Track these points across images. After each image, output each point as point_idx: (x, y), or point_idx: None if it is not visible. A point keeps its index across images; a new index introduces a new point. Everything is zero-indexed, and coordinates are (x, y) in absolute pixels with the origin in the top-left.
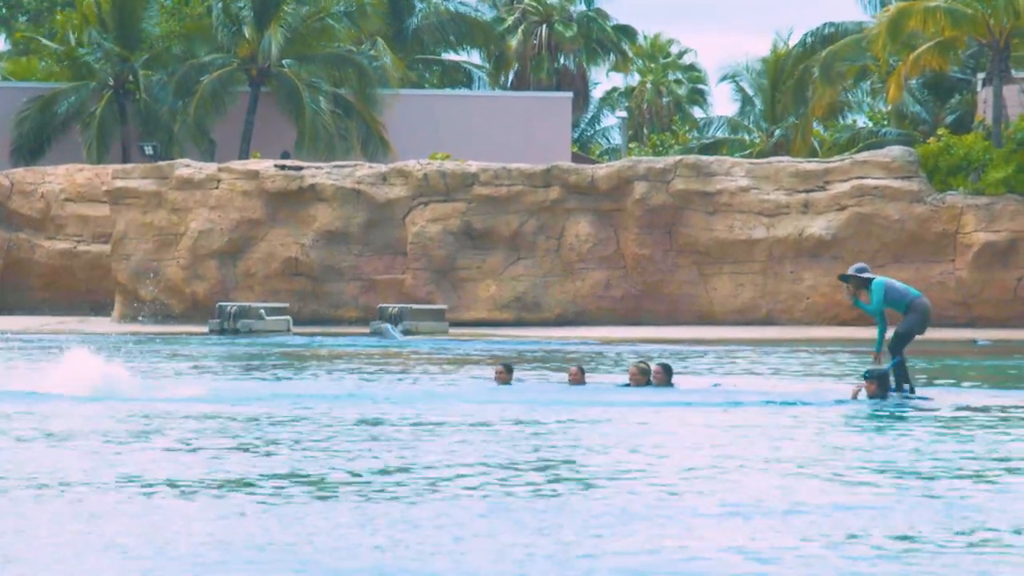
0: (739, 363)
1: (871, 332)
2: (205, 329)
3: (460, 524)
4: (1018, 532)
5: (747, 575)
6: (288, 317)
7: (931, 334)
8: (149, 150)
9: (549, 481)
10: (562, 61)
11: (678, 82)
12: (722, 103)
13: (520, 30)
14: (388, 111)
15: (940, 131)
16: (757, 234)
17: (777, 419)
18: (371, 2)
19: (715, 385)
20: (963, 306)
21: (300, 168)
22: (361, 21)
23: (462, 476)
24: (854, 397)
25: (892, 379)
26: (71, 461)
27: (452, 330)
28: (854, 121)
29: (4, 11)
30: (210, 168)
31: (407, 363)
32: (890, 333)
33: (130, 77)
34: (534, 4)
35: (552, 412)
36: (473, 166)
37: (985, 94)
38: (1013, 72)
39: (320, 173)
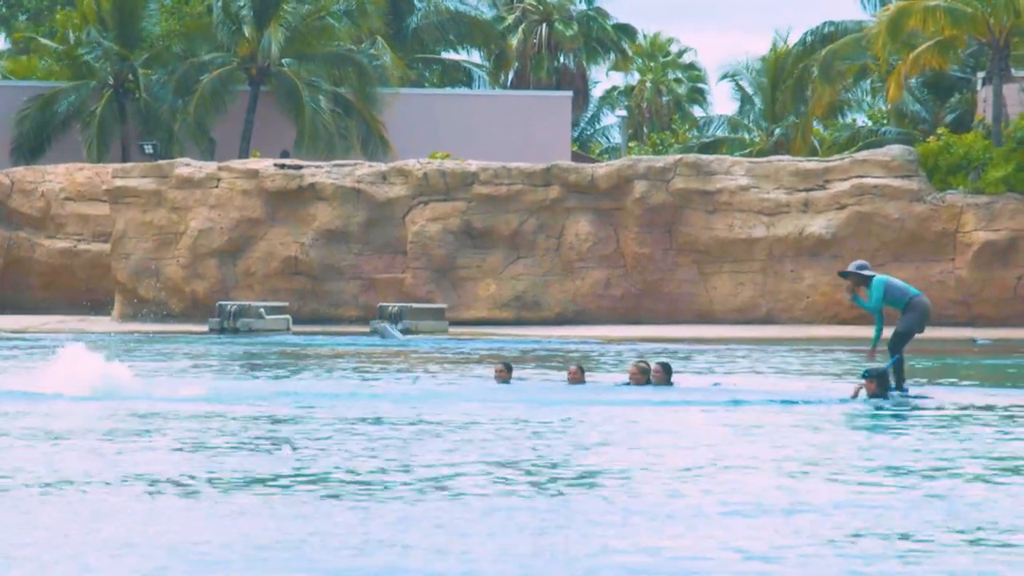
0: (739, 362)
1: (871, 331)
2: (205, 328)
3: (461, 524)
4: (1018, 531)
5: (748, 574)
6: (288, 316)
7: (931, 333)
8: (149, 149)
9: (549, 480)
10: (562, 60)
11: (678, 81)
12: (722, 102)
13: (520, 29)
14: (388, 110)
15: (940, 130)
16: (757, 233)
17: (777, 418)
18: (371, 1)
19: (715, 384)
20: (963, 305)
21: (300, 167)
22: (361, 20)
23: (462, 475)
24: (854, 396)
25: (891, 378)
26: (71, 461)
27: (452, 329)
28: (854, 120)
29: (4, 10)
30: (210, 167)
31: (407, 362)
32: (890, 332)
33: (130, 76)
34: (534, 3)
35: (552, 411)
36: (473, 165)
37: (985, 93)
38: (1013, 71)
39: (320, 172)
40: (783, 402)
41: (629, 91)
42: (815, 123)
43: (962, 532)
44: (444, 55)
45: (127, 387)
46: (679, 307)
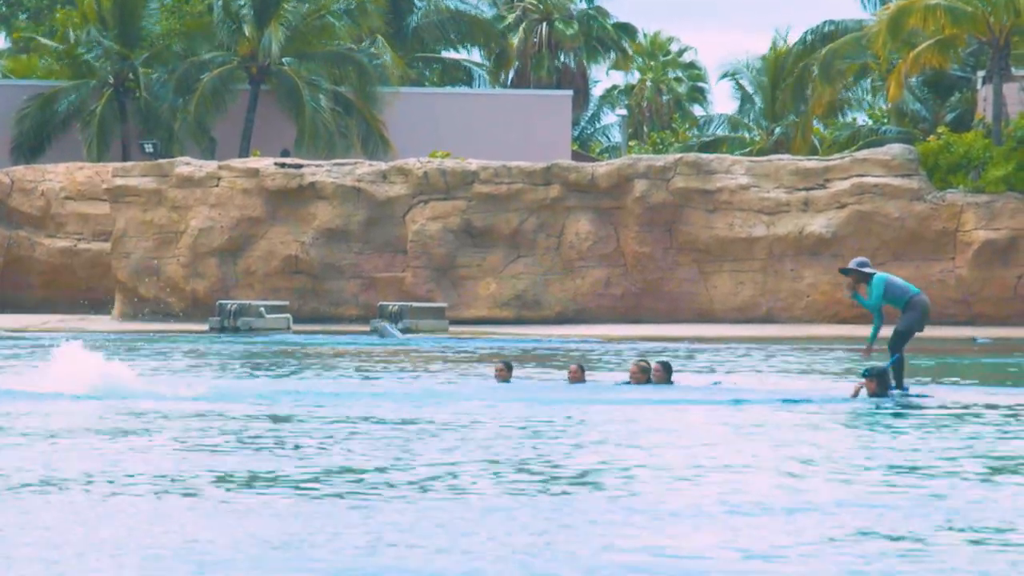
0: (739, 361)
1: (870, 330)
2: (205, 327)
3: (461, 523)
4: (1018, 531)
5: (749, 573)
6: (288, 315)
7: (931, 332)
8: (149, 148)
9: (549, 479)
10: (562, 59)
11: (678, 80)
12: (722, 101)
13: (521, 28)
14: (388, 109)
15: (940, 129)
16: (757, 232)
17: (778, 417)
18: (371, 0)
19: (715, 383)
20: (963, 304)
21: (300, 166)
22: (361, 19)
23: (463, 475)
24: (854, 396)
25: (891, 377)
26: (72, 460)
27: (452, 328)
28: (854, 119)
29: (4, 9)
30: (210, 166)
31: (406, 361)
32: (889, 331)
33: (130, 75)
34: (534, 2)
35: (552, 410)
36: (473, 164)
37: (985, 92)
38: (1013, 70)
39: (320, 171)
40: (783, 401)
41: (629, 90)
42: (815, 122)
43: (962, 532)
44: (444, 54)
45: (127, 386)
46: (679, 306)
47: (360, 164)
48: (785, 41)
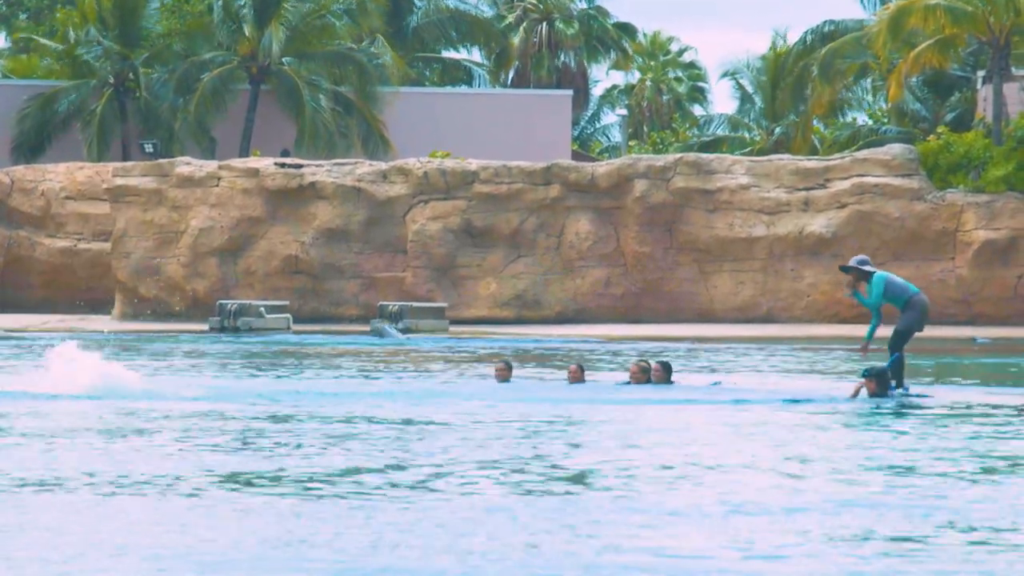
0: (739, 361)
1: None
2: (205, 327)
3: (462, 523)
4: (1018, 531)
5: (749, 573)
6: (288, 315)
7: (931, 332)
8: (149, 148)
9: (549, 479)
10: (562, 59)
11: (678, 80)
12: (722, 101)
13: (521, 28)
14: (388, 109)
15: (940, 129)
16: (757, 232)
17: (778, 417)
18: (371, 0)
19: (715, 383)
20: (963, 304)
21: (300, 166)
22: (361, 19)
23: (463, 474)
24: (854, 396)
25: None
26: (72, 461)
27: (452, 328)
28: (854, 119)
29: (4, 8)
30: (210, 166)
31: (406, 361)
32: (888, 331)
33: (130, 75)
34: (535, 2)
35: (552, 410)
36: (473, 164)
37: (985, 92)
38: (1013, 70)
39: (320, 171)
40: (783, 401)
41: (629, 90)
42: (815, 122)
43: (962, 532)
44: (444, 54)
45: (127, 386)
46: (679, 306)
47: (360, 164)
48: (785, 40)
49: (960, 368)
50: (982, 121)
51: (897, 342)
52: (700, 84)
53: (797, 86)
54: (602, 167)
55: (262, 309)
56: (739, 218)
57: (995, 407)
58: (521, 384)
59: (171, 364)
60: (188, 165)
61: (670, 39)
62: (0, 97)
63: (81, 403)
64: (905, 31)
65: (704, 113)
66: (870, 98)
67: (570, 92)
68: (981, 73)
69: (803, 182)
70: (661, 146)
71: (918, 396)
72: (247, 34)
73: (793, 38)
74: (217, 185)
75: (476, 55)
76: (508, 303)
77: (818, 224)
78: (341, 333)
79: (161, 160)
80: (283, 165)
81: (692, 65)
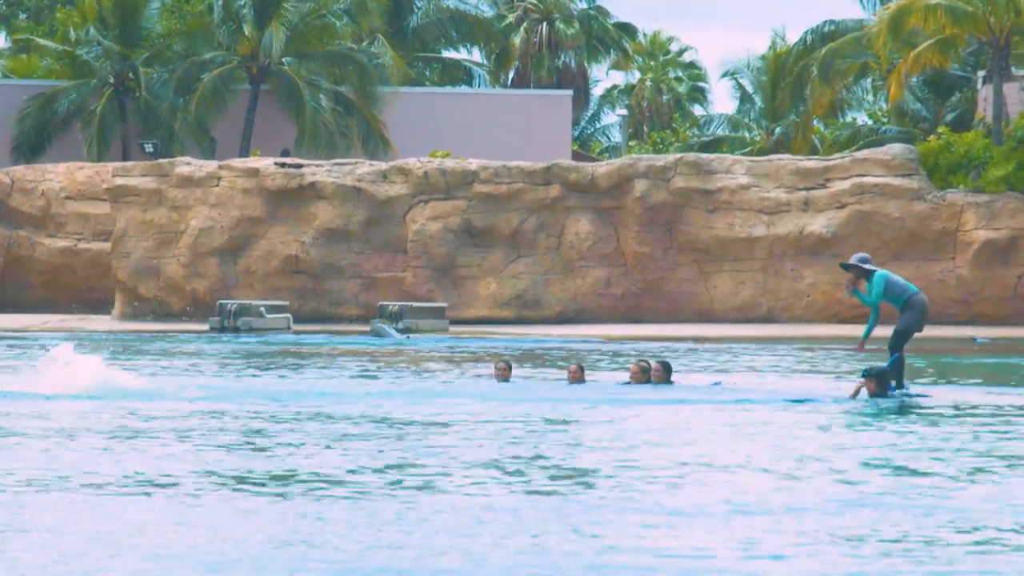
0: (739, 361)
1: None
2: (205, 327)
3: (462, 523)
4: (1018, 531)
5: (749, 573)
6: (288, 315)
7: (931, 332)
8: (149, 148)
9: (550, 479)
10: (562, 59)
11: (678, 80)
12: (722, 101)
13: (522, 28)
14: (388, 109)
15: (940, 129)
16: (757, 232)
17: (778, 417)
18: None
19: (715, 383)
20: (963, 304)
21: (300, 166)
22: (361, 19)
23: (463, 474)
24: (854, 396)
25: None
26: (72, 461)
27: (452, 328)
28: (854, 119)
29: (4, 8)
30: (210, 166)
31: (406, 361)
32: (887, 330)
33: (130, 75)
34: (535, 2)
35: (552, 410)
36: (473, 164)
37: (985, 92)
38: (1013, 70)
39: (320, 171)
40: (783, 401)
41: (629, 90)
42: (816, 122)
43: (962, 532)
44: (445, 54)
45: (127, 387)
46: (680, 306)
47: (360, 164)
48: (784, 40)
49: (960, 368)
50: (982, 121)
51: (897, 342)
52: (700, 84)
53: (797, 86)
54: (602, 167)
55: (262, 309)
56: (739, 218)
57: (995, 407)
58: (521, 384)
59: (171, 364)
60: (188, 165)
61: (670, 39)
62: (0, 97)
63: (80, 403)
64: (905, 31)
65: (704, 113)
66: (870, 98)
67: (570, 92)
68: (981, 73)
69: (803, 182)
70: (661, 146)
71: (918, 396)
72: (247, 34)
73: (792, 38)
74: (217, 185)
75: (476, 55)
76: (508, 303)
77: (818, 224)
78: (341, 333)
79: (161, 160)
80: (283, 165)
81: (692, 65)
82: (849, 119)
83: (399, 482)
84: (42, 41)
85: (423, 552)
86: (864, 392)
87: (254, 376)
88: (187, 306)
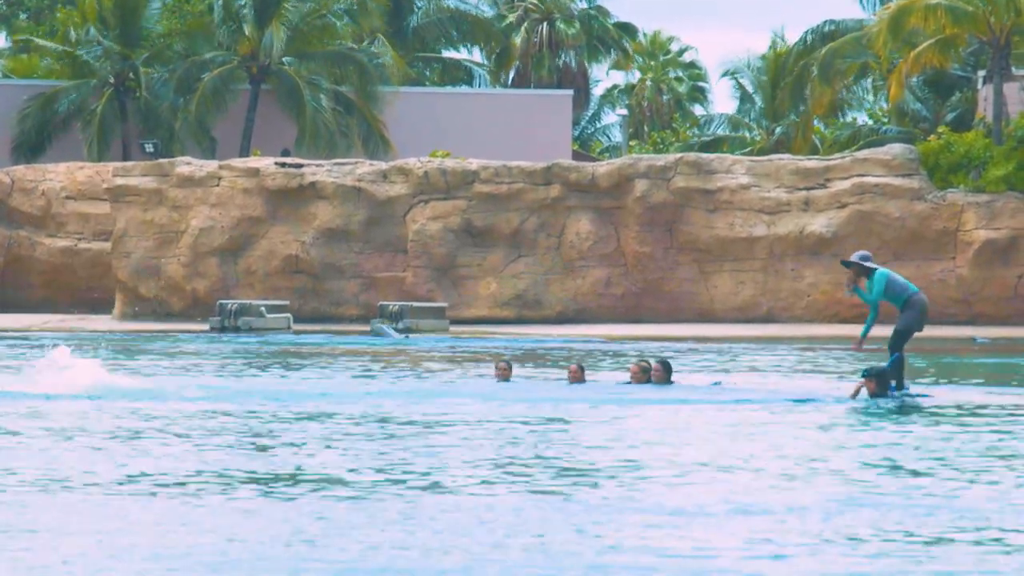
0: (739, 360)
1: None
2: (206, 327)
3: (462, 523)
4: (1018, 531)
5: (749, 573)
6: (289, 315)
7: (930, 332)
8: (150, 148)
9: (550, 479)
10: (563, 59)
11: (679, 79)
12: (723, 100)
13: (522, 28)
14: (389, 109)
15: (941, 129)
16: (758, 232)
17: (777, 417)
18: None
19: (715, 383)
20: (963, 304)
21: (300, 166)
22: (362, 18)
23: (463, 474)
24: (854, 396)
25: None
26: (73, 461)
27: (453, 328)
28: (854, 119)
29: (4, 8)
30: (211, 166)
31: (408, 360)
32: (886, 330)
33: (131, 75)
34: (536, 2)
35: (552, 409)
36: (474, 164)
37: (986, 91)
38: (1014, 69)
39: (320, 171)
40: (784, 401)
41: (630, 90)
42: (816, 122)
43: (962, 532)
44: (445, 54)
45: (127, 387)
46: (680, 306)
47: (360, 164)
48: (784, 40)
49: (960, 368)
50: (982, 121)
51: (897, 342)
52: (700, 84)
53: (797, 86)
54: (602, 167)
55: (262, 309)
56: (739, 218)
57: (996, 407)
58: (522, 384)
59: (171, 364)
60: (188, 165)
61: (670, 39)
62: (0, 97)
63: (80, 403)
64: (905, 31)
65: (704, 113)
66: (870, 98)
67: (570, 92)
68: (982, 73)
69: (803, 182)
70: (661, 146)
71: (918, 396)
72: (247, 34)
73: (792, 38)
74: (217, 185)
75: (476, 55)
76: (508, 303)
77: (818, 224)
78: (341, 333)
79: (161, 160)
80: (283, 165)
81: (692, 65)
82: (849, 119)
83: (400, 482)
84: (42, 41)
85: (425, 552)
86: (864, 392)
87: (254, 376)
88: (187, 306)
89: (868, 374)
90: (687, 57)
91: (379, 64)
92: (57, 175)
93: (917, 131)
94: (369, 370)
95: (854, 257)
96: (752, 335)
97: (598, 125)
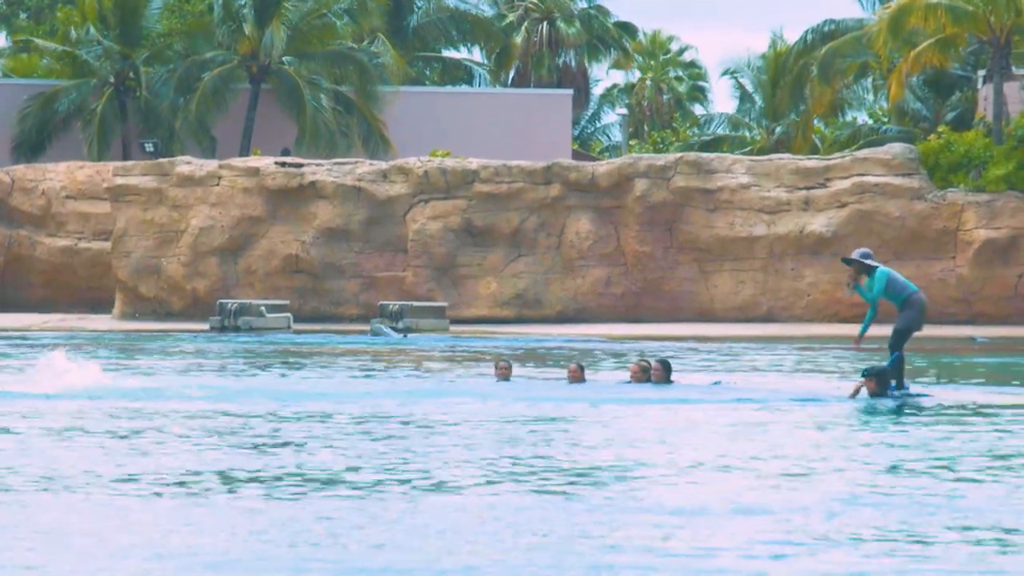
0: (739, 360)
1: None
2: (206, 326)
3: (463, 523)
4: (1018, 531)
5: (750, 573)
6: (289, 314)
7: (931, 331)
8: (150, 147)
9: (550, 479)
10: (563, 58)
11: (678, 79)
12: (722, 100)
13: (523, 27)
14: (389, 108)
15: (941, 128)
16: (758, 231)
17: (778, 416)
18: None
19: (715, 383)
20: (963, 303)
21: (301, 165)
22: (362, 18)
23: (464, 474)
24: (854, 395)
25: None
26: (73, 461)
27: (453, 327)
28: (854, 118)
29: (4, 8)
30: (211, 165)
31: (408, 360)
32: (886, 329)
33: (131, 74)
34: (536, 1)
35: (552, 409)
36: (474, 163)
37: (986, 91)
38: (1014, 69)
39: (321, 170)
40: (783, 400)
41: (630, 89)
42: (816, 121)
43: (963, 532)
44: (445, 53)
45: (126, 387)
46: (680, 305)
47: (361, 163)
48: (784, 40)
49: (960, 367)
50: (983, 120)
51: (897, 341)
52: (700, 83)
53: (797, 85)
54: (602, 166)
55: (262, 308)
56: (739, 217)
57: (996, 406)
58: (522, 383)
59: (171, 363)
60: (188, 164)
61: (670, 38)
62: (0, 97)
63: (80, 403)
64: (905, 30)
65: (704, 112)
66: (870, 97)
67: (570, 91)
68: (982, 72)
69: (803, 181)
70: (661, 145)
71: (918, 396)
72: (247, 33)
73: (792, 37)
74: (217, 184)
75: (477, 54)
76: (508, 302)
77: (818, 223)
78: (341, 333)
79: (161, 159)
80: (283, 164)
81: (692, 64)
82: (849, 118)
83: (401, 482)
84: (42, 41)
85: (426, 552)
86: (864, 392)
87: (254, 376)
88: (187, 305)
89: (868, 374)
90: (687, 56)
91: (379, 64)
92: (57, 174)
93: (917, 131)
94: (371, 370)
95: (855, 254)
96: (752, 334)
97: (598, 125)
